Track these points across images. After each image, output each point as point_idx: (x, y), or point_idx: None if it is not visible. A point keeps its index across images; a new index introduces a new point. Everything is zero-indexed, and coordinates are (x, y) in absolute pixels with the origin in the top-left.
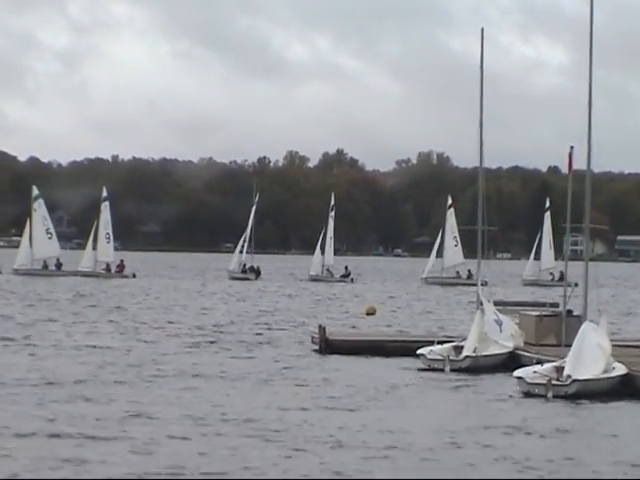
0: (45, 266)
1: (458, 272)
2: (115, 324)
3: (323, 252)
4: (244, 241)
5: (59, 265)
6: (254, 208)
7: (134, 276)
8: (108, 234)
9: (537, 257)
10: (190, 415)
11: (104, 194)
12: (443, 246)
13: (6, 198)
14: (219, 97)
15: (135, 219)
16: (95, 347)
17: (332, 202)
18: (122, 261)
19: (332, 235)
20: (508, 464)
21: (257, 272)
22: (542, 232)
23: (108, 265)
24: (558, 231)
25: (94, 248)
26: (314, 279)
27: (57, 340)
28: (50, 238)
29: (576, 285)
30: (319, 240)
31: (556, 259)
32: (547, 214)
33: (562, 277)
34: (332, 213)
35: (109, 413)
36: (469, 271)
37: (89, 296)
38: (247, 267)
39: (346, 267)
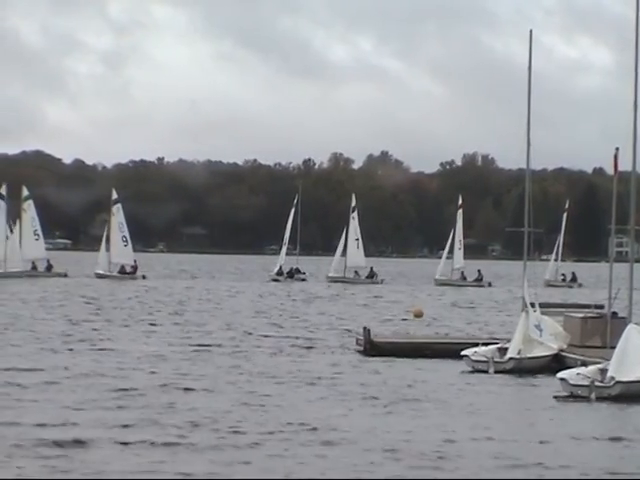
0: (34, 267)
1: (463, 273)
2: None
3: (344, 254)
4: (284, 244)
5: (49, 267)
6: (293, 210)
7: (144, 277)
8: (125, 237)
9: (556, 258)
10: (246, 419)
11: (114, 196)
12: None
13: (52, 202)
14: (262, 98)
15: (180, 221)
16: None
17: (353, 203)
18: (135, 261)
19: (359, 237)
20: (547, 467)
21: (291, 274)
22: (560, 233)
23: (123, 267)
24: (604, 233)
25: (107, 250)
26: (334, 280)
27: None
28: (37, 240)
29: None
30: (340, 241)
31: (599, 261)
32: (564, 215)
33: (574, 278)
34: (353, 214)
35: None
36: (479, 271)
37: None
38: (283, 269)
39: (371, 268)
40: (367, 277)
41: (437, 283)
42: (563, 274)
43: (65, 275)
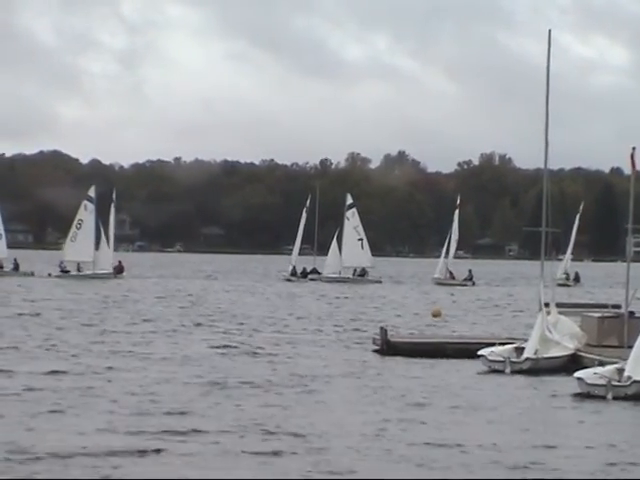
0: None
1: (451, 273)
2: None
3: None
4: (296, 244)
5: (16, 266)
6: (305, 211)
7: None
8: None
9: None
10: (264, 426)
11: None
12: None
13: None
14: (276, 98)
15: (197, 221)
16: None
17: (348, 202)
18: (120, 262)
19: (363, 237)
20: (564, 469)
21: (304, 274)
22: (572, 235)
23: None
24: (621, 232)
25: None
26: (329, 280)
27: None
28: None
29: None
30: (334, 241)
31: (616, 261)
32: (577, 216)
33: (577, 278)
34: (348, 212)
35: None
36: (469, 271)
37: None
38: (297, 269)
39: (363, 268)
40: (359, 275)
41: (434, 282)
42: (566, 273)
43: (32, 274)
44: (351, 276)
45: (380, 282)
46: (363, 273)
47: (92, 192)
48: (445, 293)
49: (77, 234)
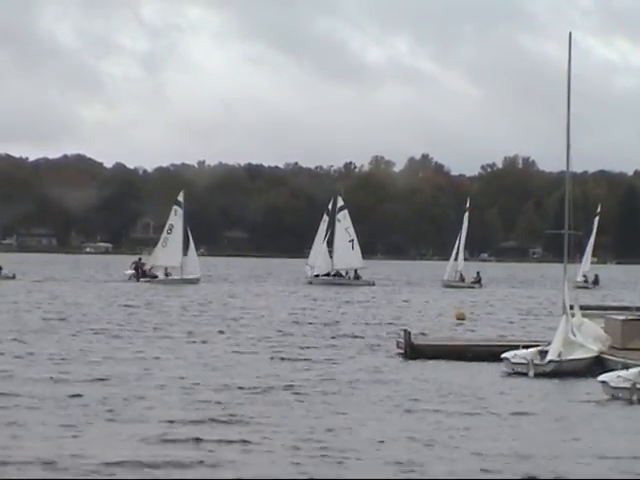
0: None
1: (461, 275)
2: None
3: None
4: (314, 247)
5: None
6: (327, 217)
7: (14, 277)
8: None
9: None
10: (292, 430)
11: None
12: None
13: (94, 205)
14: (298, 101)
15: (221, 225)
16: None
17: (339, 204)
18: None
19: (354, 237)
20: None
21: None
22: (592, 236)
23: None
24: None
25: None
26: (325, 282)
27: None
28: None
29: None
30: (324, 243)
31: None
32: (596, 219)
33: (596, 280)
34: (339, 214)
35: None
36: (478, 273)
37: None
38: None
39: (355, 271)
40: (354, 278)
41: (444, 285)
42: (585, 276)
43: (14, 277)
44: (345, 278)
45: (373, 285)
46: (357, 277)
47: (181, 197)
48: (450, 295)
49: (168, 239)
